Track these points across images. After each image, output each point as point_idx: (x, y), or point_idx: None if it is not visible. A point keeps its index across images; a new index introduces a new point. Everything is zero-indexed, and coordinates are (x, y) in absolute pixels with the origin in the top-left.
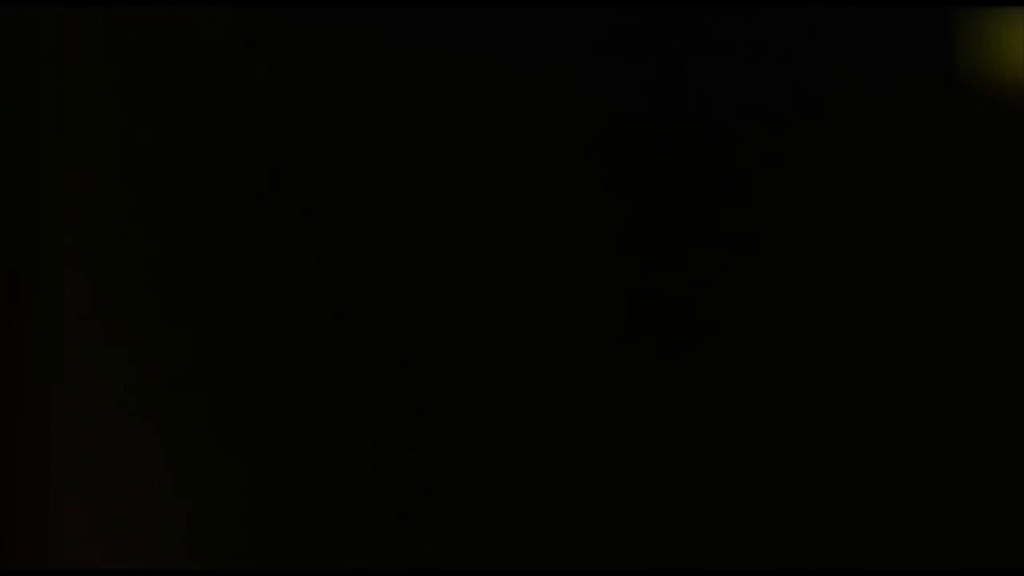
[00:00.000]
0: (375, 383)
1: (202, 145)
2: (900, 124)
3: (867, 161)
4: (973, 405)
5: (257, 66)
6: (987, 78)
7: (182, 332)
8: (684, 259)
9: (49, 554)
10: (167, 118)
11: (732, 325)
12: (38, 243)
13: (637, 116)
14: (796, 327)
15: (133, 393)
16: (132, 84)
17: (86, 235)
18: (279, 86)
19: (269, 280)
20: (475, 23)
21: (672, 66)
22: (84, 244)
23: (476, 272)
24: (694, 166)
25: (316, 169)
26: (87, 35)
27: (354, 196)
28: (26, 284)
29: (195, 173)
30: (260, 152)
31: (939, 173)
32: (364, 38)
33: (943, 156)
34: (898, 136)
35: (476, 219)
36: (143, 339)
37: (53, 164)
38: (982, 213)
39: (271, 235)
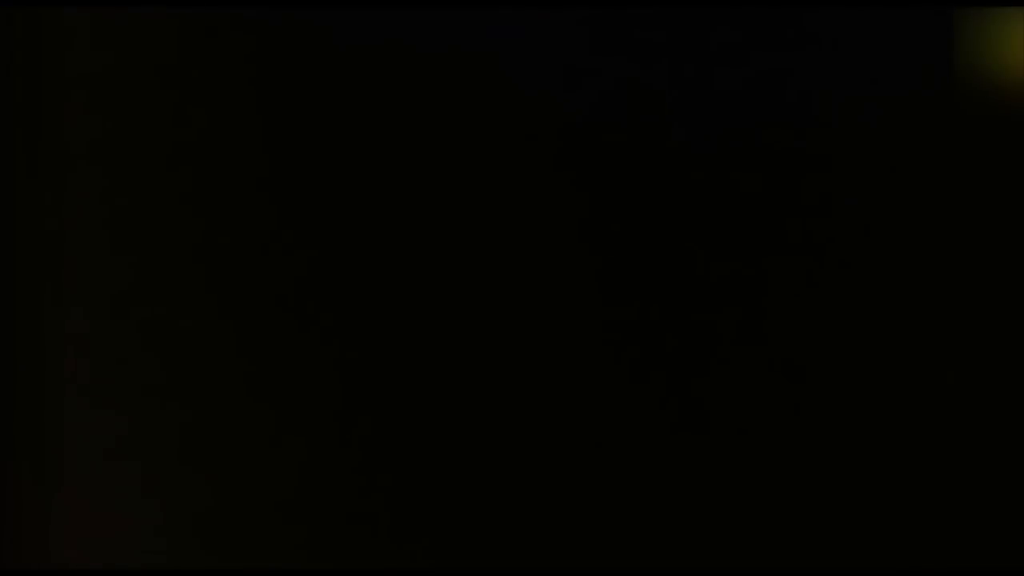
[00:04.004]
0: (364, 393)
1: (198, 147)
2: (900, 124)
3: (867, 161)
4: (973, 405)
5: (255, 68)
6: (987, 78)
7: (177, 332)
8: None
9: (50, 554)
10: (164, 120)
11: (730, 326)
12: (37, 246)
13: (634, 124)
14: (794, 324)
15: (131, 394)
16: (131, 87)
17: (84, 235)
18: (276, 88)
19: (265, 280)
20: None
21: (665, 70)
22: (82, 244)
23: (464, 275)
24: (689, 173)
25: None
26: (86, 36)
27: (344, 198)
28: (26, 284)
29: (184, 174)
30: (258, 155)
31: (939, 172)
32: (350, 39)
33: (943, 155)
34: (898, 135)
35: (475, 236)
36: (141, 339)
37: (47, 166)
38: (982, 212)
39: (261, 235)
